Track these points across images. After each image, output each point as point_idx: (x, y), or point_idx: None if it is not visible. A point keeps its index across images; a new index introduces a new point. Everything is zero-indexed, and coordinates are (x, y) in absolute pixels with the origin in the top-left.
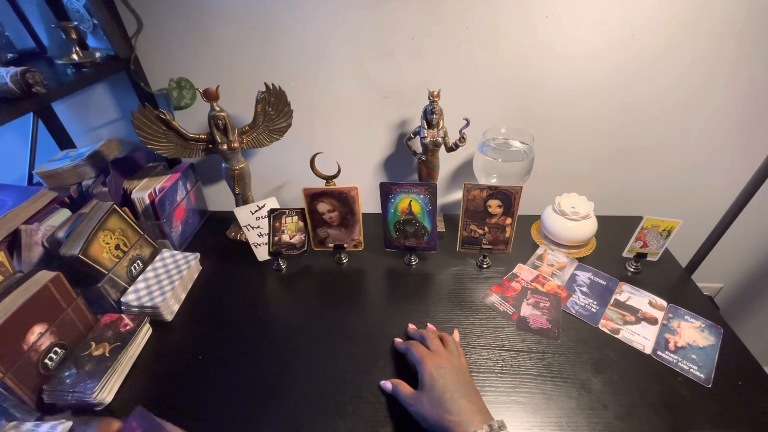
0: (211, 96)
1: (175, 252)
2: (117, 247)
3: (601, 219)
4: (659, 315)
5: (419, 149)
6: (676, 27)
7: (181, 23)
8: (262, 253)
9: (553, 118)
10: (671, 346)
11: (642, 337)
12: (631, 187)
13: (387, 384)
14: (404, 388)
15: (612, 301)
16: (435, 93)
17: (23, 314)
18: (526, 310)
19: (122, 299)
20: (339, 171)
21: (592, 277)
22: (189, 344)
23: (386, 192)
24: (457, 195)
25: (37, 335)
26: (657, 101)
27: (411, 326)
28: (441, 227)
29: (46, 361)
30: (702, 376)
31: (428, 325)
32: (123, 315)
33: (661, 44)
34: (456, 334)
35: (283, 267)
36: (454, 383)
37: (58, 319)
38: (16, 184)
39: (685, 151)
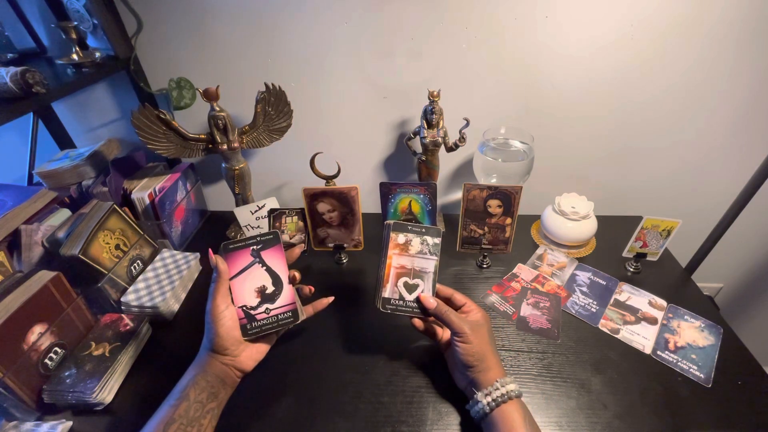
0: (211, 96)
1: (175, 252)
2: (117, 247)
3: (601, 219)
4: (659, 315)
5: (419, 149)
6: (676, 27)
7: (181, 23)
8: None
9: (552, 118)
10: (671, 346)
11: (642, 337)
12: (631, 187)
13: (430, 300)
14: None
15: (612, 301)
16: (435, 93)
17: (23, 314)
18: (525, 310)
19: (122, 299)
20: (339, 171)
21: (591, 277)
22: (189, 344)
23: (386, 192)
24: (457, 195)
25: (37, 335)
26: (657, 101)
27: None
28: (441, 227)
29: (46, 361)
30: (702, 376)
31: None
32: (123, 315)
33: (661, 44)
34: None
35: None
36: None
37: (58, 319)
38: (16, 184)
39: (685, 150)
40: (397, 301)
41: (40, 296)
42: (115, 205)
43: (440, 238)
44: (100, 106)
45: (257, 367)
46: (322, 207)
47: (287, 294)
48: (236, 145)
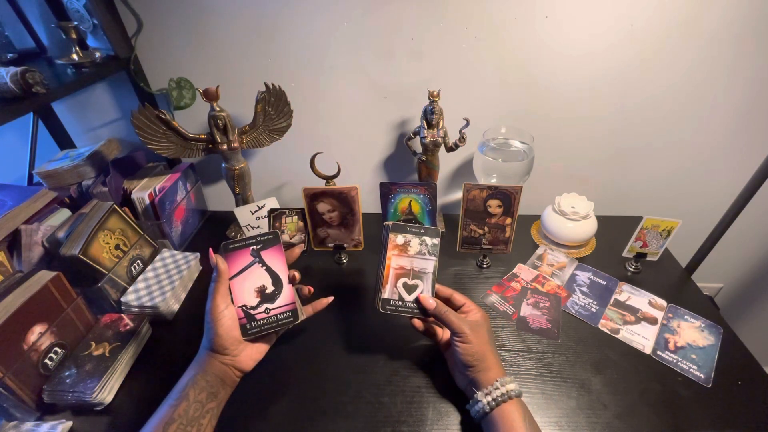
0: (211, 96)
1: (175, 252)
2: (117, 247)
3: (601, 219)
4: (659, 315)
5: (419, 149)
6: (676, 27)
7: (181, 23)
8: None
9: (552, 118)
10: (671, 346)
11: (642, 337)
12: (631, 187)
13: (430, 301)
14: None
15: (612, 301)
16: (435, 93)
17: (23, 314)
18: (525, 310)
19: (122, 299)
20: (339, 171)
21: (591, 277)
22: (189, 344)
23: (386, 192)
24: (457, 195)
25: (37, 335)
26: (657, 101)
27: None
28: (441, 227)
29: (46, 361)
30: (702, 375)
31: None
32: (123, 315)
33: (661, 44)
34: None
35: None
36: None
37: (58, 319)
38: (16, 184)
39: (685, 150)
40: (396, 302)
41: (40, 296)
42: (115, 205)
43: (439, 239)
44: (100, 106)
45: (257, 367)
46: (322, 207)
47: (287, 294)
48: (236, 145)
